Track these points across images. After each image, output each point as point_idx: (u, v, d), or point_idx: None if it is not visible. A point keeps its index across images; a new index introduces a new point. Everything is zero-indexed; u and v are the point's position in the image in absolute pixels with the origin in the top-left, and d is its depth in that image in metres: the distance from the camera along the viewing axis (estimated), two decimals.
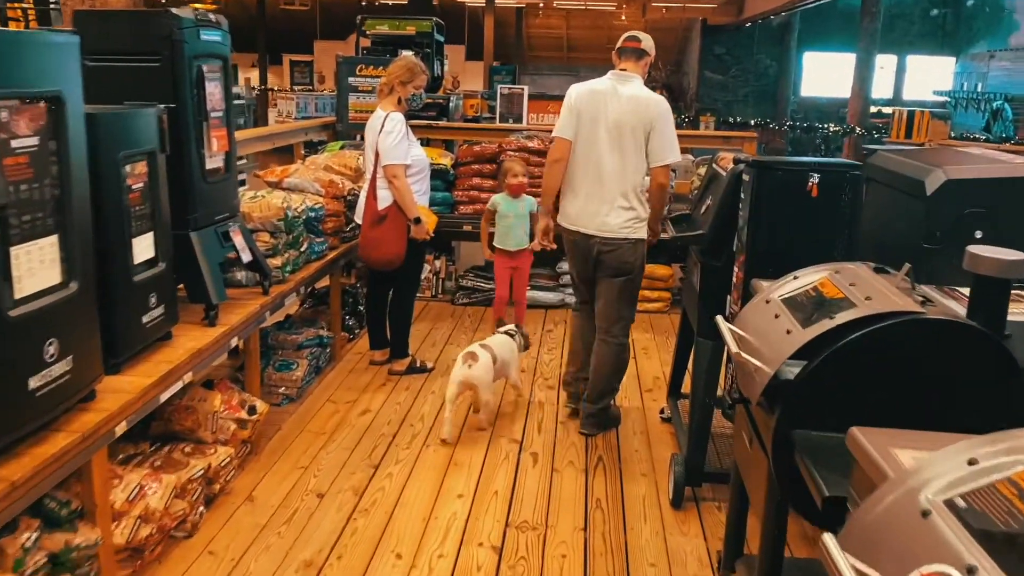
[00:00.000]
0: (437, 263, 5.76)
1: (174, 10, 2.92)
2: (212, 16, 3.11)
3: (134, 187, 2.62)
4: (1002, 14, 19.16)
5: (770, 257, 2.71)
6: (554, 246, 3.93)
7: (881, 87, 18.43)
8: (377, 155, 4.06)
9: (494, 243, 4.79)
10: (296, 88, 18.18)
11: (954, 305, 2.21)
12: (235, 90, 12.02)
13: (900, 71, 21.78)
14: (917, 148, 3.41)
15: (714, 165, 3.30)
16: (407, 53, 6.28)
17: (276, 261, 3.60)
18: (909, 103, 19.17)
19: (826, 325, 1.86)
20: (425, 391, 4.10)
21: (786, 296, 2.19)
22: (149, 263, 2.70)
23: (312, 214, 4.02)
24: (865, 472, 1.45)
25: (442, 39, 6.65)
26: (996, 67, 19.92)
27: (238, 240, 3.25)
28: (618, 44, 3.59)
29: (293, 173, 4.30)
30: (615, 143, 3.43)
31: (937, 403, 1.81)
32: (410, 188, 4.08)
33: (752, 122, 10.86)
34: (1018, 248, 2.75)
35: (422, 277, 5.65)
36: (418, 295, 5.62)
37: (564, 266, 5.70)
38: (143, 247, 2.67)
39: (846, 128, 9.61)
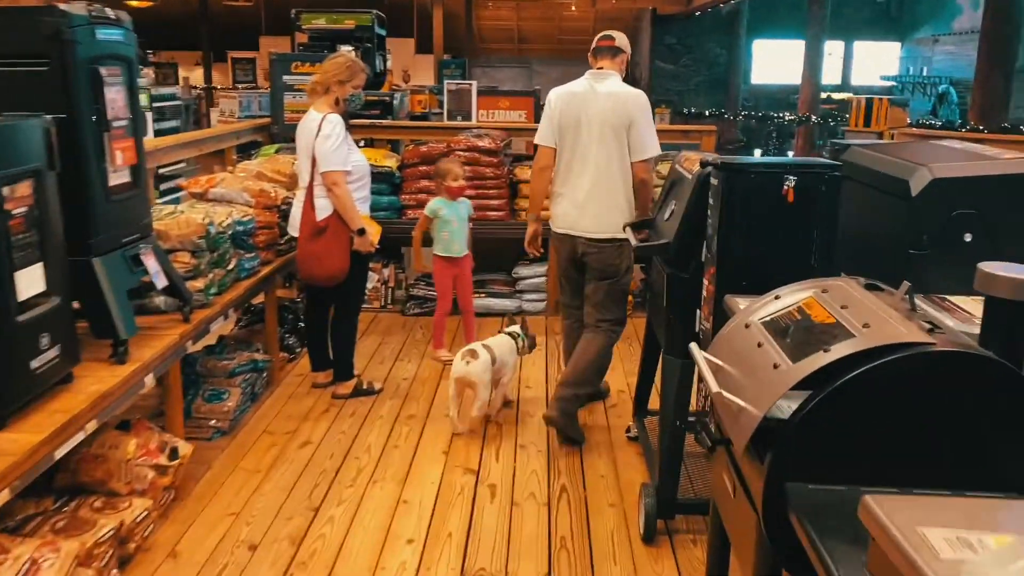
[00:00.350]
0: (385, 271, 5.42)
1: (63, 6, 2.55)
2: (111, 12, 2.74)
3: (15, 212, 2.25)
4: None
5: (743, 269, 2.46)
6: (540, 252, 3.90)
7: (829, 73, 18.52)
8: (314, 161, 3.72)
9: (436, 251, 4.48)
10: (239, 86, 17.59)
11: (957, 325, 1.97)
12: (172, 90, 11.46)
13: (848, 57, 21.98)
14: (891, 142, 3.21)
15: (677, 166, 3.04)
16: (346, 49, 5.93)
17: (198, 283, 3.25)
18: (857, 88, 19.38)
19: (821, 359, 1.59)
20: (372, 416, 3.78)
21: (768, 319, 1.93)
22: (38, 298, 2.33)
23: (240, 228, 3.66)
24: (887, 557, 1.18)
25: (384, 32, 6.30)
26: (940, 51, 20.20)
27: (151, 263, 2.90)
28: (592, 45, 3.55)
29: (220, 183, 3.93)
30: (597, 143, 3.38)
31: (951, 446, 1.57)
32: (352, 196, 3.75)
33: (706, 112, 10.68)
34: (1010, 254, 2.52)
35: (368, 288, 5.33)
36: (366, 306, 5.31)
37: (521, 271, 5.41)
38: (30, 280, 2.30)
39: (801, 117, 9.48)
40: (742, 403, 1.68)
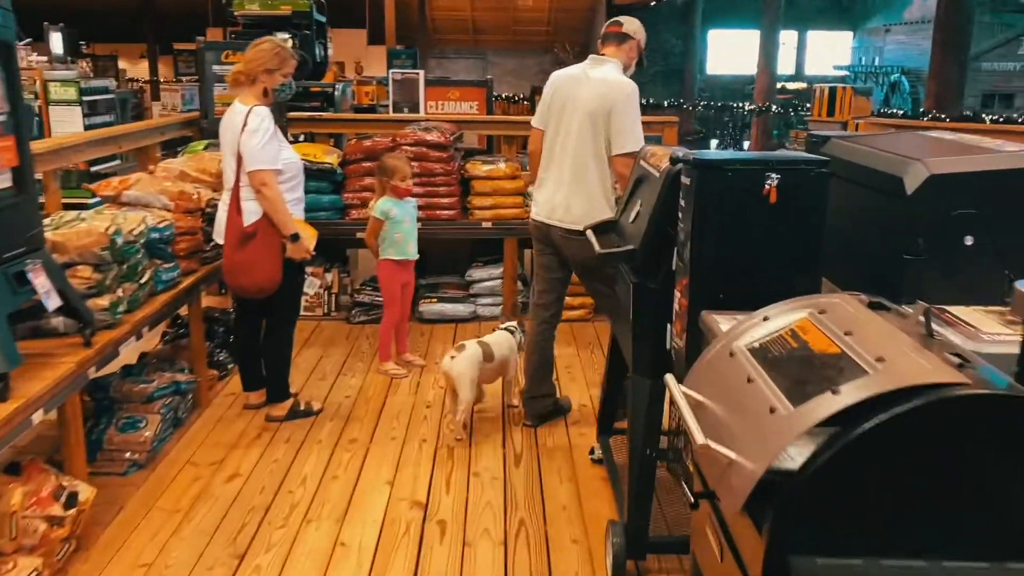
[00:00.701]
0: (328, 276, 5.04)
1: None
2: None
3: None
4: None
5: (719, 279, 2.16)
6: None
7: (783, 63, 18.57)
8: (239, 159, 3.33)
9: (389, 255, 4.11)
10: (183, 79, 16.94)
11: (966, 343, 1.69)
12: (104, 83, 10.87)
13: (801, 47, 22.09)
14: (874, 134, 2.98)
15: (642, 162, 2.73)
16: (282, 36, 5.52)
17: (103, 301, 2.85)
18: (811, 78, 19.47)
19: (830, 404, 1.29)
20: (310, 442, 3.41)
21: (756, 347, 1.63)
22: None
23: (156, 235, 3.27)
24: None
25: (323, 19, 5.90)
26: (892, 41, 20.41)
27: (40, 281, 2.49)
28: (602, 31, 3.45)
29: (134, 184, 3.52)
30: (577, 130, 3.26)
31: (987, 506, 1.28)
32: (283, 198, 3.38)
33: (665, 103, 10.44)
34: (1015, 258, 2.25)
35: (310, 294, 4.96)
36: (308, 314, 4.94)
37: (475, 274, 5.08)
38: None
39: (761, 107, 9.27)
40: (733, 456, 1.38)
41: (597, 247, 2.62)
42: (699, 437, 1.41)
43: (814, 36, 21.70)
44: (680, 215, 2.27)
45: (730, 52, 20.95)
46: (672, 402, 1.76)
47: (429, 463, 3.24)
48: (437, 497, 2.99)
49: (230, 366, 4.09)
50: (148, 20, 17.29)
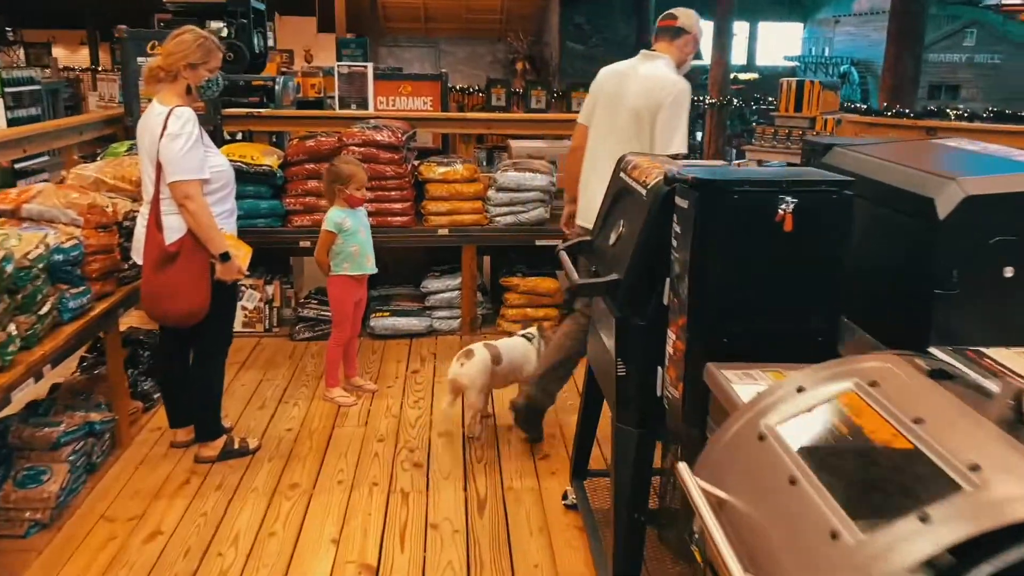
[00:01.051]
0: (269, 289, 4.60)
1: None
2: None
3: None
4: None
5: (724, 322, 1.83)
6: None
7: (735, 53, 18.54)
8: (160, 168, 2.90)
9: (345, 271, 3.70)
10: (120, 67, 16.13)
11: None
12: (28, 73, 10.21)
13: (752, 38, 22.13)
14: (879, 141, 2.71)
15: (623, 174, 2.38)
16: (216, 26, 5.06)
17: None
18: (762, 69, 19.49)
19: (923, 542, 0.96)
20: (244, 489, 3.00)
21: (794, 431, 1.29)
22: None
23: (60, 256, 2.82)
24: None
25: (262, 7, 5.42)
26: (841, 32, 20.53)
27: None
28: (655, 25, 3.25)
29: (36, 196, 3.05)
30: (621, 127, 3.08)
31: None
32: (211, 212, 2.95)
33: None
34: None
35: (249, 308, 4.53)
36: (249, 331, 4.53)
37: (431, 284, 4.69)
38: None
39: (723, 100, 9.04)
40: None
41: (575, 276, 2.26)
42: (737, 571, 1.07)
43: (765, 27, 21.72)
44: (675, 243, 1.93)
45: None
46: (683, 489, 1.42)
47: (381, 513, 2.86)
48: (389, 558, 2.61)
49: (156, 396, 3.64)
50: (87, 6, 16.41)
